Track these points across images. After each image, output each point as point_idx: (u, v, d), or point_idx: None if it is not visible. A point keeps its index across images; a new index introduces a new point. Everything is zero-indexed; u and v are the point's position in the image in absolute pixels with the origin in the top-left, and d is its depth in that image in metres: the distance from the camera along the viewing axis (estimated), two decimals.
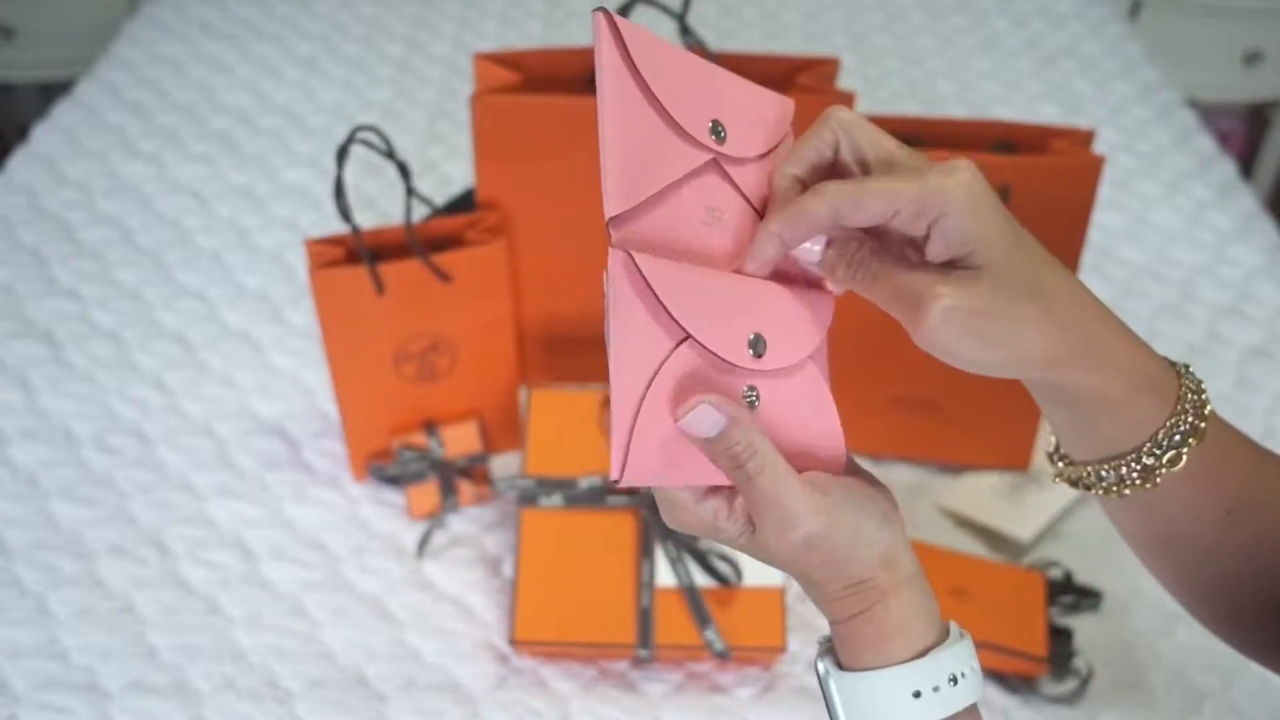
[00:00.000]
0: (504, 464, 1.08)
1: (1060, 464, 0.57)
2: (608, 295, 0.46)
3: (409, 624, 0.95)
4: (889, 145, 0.49)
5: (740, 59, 1.02)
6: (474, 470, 1.04)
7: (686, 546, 0.92)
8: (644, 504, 0.94)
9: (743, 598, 0.91)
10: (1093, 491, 0.55)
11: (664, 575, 0.92)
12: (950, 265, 0.48)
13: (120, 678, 0.90)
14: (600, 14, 0.46)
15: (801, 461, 0.50)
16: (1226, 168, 1.56)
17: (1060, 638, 0.92)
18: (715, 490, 0.50)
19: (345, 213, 0.94)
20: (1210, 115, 2.15)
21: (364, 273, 0.95)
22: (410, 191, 0.98)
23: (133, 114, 1.57)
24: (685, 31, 1.01)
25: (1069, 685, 0.92)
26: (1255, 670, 0.94)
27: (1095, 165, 0.95)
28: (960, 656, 0.50)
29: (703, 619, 0.90)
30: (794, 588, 0.93)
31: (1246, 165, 2.33)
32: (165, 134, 1.54)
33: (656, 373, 0.46)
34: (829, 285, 0.53)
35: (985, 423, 1.06)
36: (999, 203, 0.48)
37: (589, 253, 1.01)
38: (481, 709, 0.89)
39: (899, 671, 0.49)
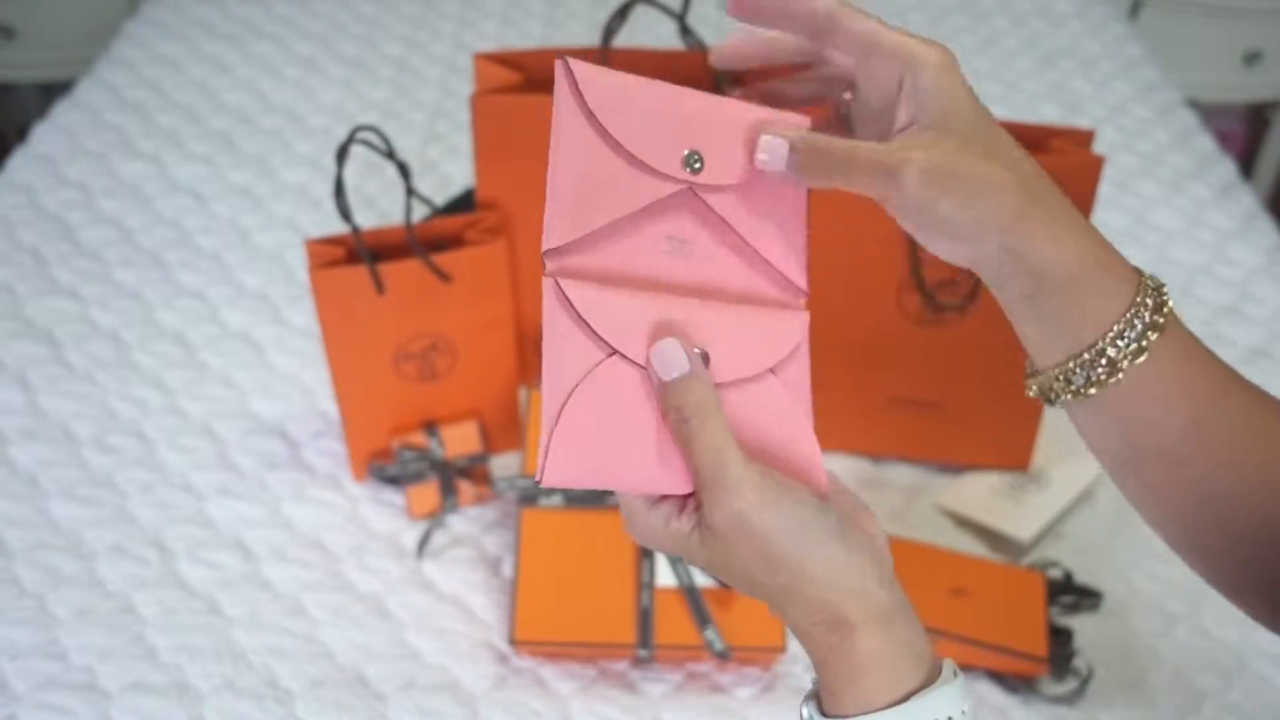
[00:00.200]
0: (504, 464, 1.08)
1: (1030, 379, 0.57)
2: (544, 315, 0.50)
3: (409, 624, 0.95)
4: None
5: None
6: (474, 470, 1.04)
7: None
8: None
9: (742, 598, 0.91)
10: (1063, 398, 0.55)
11: (664, 575, 0.92)
12: (917, 136, 0.52)
13: (120, 678, 0.90)
14: (560, 63, 0.50)
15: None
16: (1226, 168, 1.56)
17: (1060, 638, 0.92)
18: (666, 497, 0.51)
19: (345, 213, 0.94)
20: (1210, 115, 2.15)
21: (364, 273, 0.95)
22: (410, 191, 0.98)
23: (132, 114, 1.57)
24: (685, 31, 1.00)
25: (1069, 685, 0.92)
26: (1255, 670, 0.94)
27: (1095, 165, 0.95)
28: (951, 698, 0.48)
29: (703, 619, 0.90)
30: None
31: (1246, 165, 2.33)
32: (165, 134, 1.54)
33: (580, 382, 0.49)
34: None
35: (985, 423, 1.06)
36: (969, 85, 0.52)
37: None
38: (481, 709, 0.89)
39: (879, 718, 0.47)
